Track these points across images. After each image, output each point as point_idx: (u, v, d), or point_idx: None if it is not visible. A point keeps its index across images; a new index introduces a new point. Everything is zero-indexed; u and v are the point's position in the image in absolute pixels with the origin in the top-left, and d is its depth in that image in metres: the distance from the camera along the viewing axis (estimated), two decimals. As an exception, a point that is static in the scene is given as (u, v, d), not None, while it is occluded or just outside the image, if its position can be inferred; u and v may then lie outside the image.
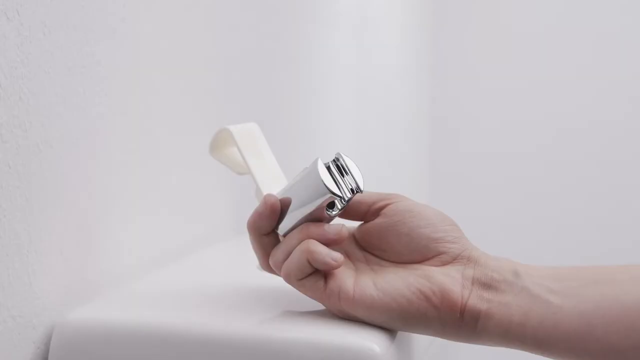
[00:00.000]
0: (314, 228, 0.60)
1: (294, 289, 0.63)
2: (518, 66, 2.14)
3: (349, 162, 0.61)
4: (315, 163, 0.60)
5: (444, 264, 0.61)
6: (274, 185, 0.65)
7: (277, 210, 0.61)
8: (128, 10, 0.74)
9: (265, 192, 0.65)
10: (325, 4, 1.36)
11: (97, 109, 0.69)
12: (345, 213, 0.63)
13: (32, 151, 0.61)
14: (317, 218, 0.61)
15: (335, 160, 0.61)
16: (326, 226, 0.61)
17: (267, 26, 1.10)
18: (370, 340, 0.57)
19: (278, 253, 0.61)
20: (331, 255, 0.59)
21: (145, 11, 0.77)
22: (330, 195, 0.59)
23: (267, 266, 0.63)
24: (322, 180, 0.59)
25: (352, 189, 0.61)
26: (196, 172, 0.90)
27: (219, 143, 0.72)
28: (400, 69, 1.94)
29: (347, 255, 0.63)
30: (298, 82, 1.24)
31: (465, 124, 2.18)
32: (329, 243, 0.60)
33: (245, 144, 0.68)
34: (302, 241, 0.60)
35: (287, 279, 0.61)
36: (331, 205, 0.61)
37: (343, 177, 0.61)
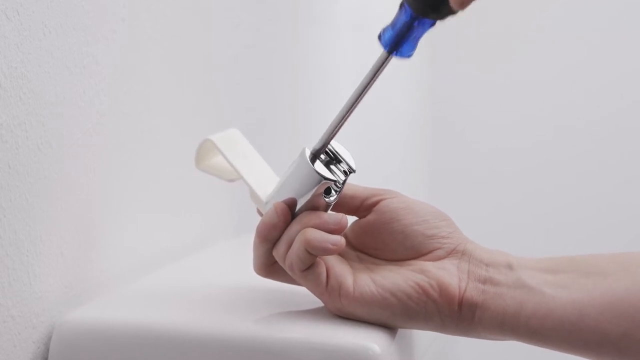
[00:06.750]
0: (314, 217, 0.60)
1: (294, 289, 0.63)
2: (518, 63, 2.14)
3: (337, 147, 0.61)
4: (303, 153, 0.60)
5: (439, 259, 0.61)
6: (268, 185, 0.65)
7: (289, 216, 0.61)
8: (128, 10, 0.74)
9: (259, 194, 0.64)
10: (325, 4, 1.36)
11: (97, 109, 0.69)
12: (339, 208, 0.62)
13: (32, 151, 0.61)
14: (315, 207, 0.60)
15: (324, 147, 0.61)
16: (326, 215, 0.60)
17: (267, 26, 1.10)
18: (370, 340, 0.57)
19: (280, 245, 0.61)
20: (330, 240, 0.58)
21: (145, 11, 0.77)
22: (324, 181, 0.59)
23: (262, 270, 0.63)
24: (314, 168, 0.59)
25: (344, 171, 0.61)
26: (196, 171, 0.90)
27: (203, 154, 0.71)
28: (400, 67, 1.94)
29: (341, 256, 0.63)
30: (298, 82, 1.24)
31: (466, 121, 2.18)
32: (329, 233, 0.59)
33: (230, 150, 0.67)
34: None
35: (291, 271, 0.60)
36: (327, 191, 0.60)
37: (334, 162, 0.61)
